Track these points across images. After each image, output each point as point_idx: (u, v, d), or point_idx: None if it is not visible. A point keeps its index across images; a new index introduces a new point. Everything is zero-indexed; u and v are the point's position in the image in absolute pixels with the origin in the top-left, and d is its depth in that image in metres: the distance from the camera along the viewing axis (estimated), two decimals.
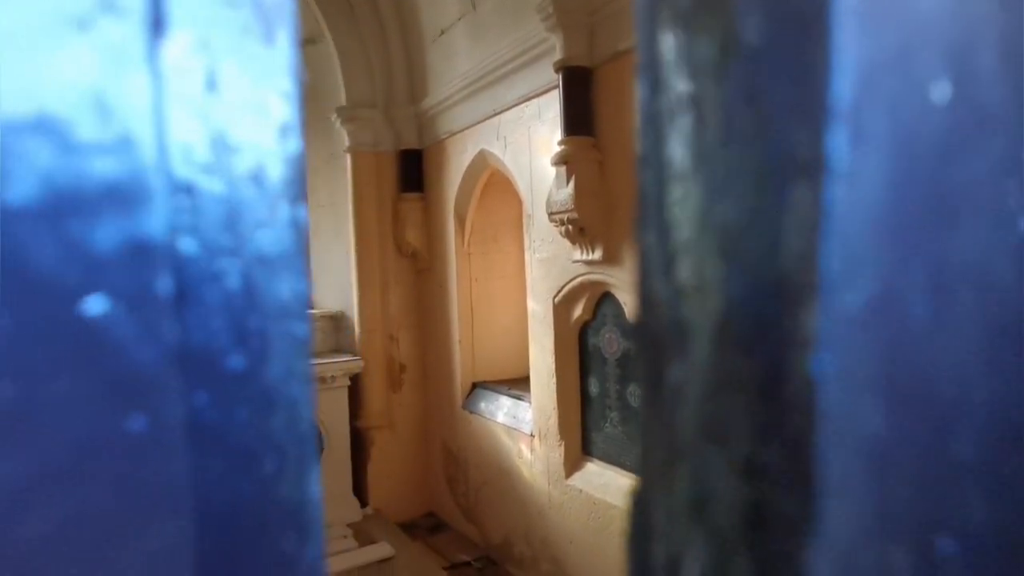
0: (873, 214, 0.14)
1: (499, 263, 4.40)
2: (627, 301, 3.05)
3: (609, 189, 2.99)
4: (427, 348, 4.68)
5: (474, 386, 4.31)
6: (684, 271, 0.17)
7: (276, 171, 0.20)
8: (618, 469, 3.16)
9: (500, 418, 3.96)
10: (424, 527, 4.50)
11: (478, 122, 3.89)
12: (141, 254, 0.17)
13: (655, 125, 0.18)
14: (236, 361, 0.19)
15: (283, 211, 0.20)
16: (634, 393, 3.06)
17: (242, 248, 0.19)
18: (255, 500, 0.19)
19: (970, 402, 0.17)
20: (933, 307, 0.16)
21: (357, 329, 4.48)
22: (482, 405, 4.16)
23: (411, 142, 4.52)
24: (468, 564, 3.97)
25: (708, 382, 0.16)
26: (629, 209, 2.88)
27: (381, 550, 3.84)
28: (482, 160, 3.98)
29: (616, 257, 2.99)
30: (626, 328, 3.10)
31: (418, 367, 4.71)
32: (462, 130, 4.07)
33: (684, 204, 0.17)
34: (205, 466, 0.18)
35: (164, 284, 0.17)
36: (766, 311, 0.15)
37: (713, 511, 0.16)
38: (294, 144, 0.20)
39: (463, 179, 4.15)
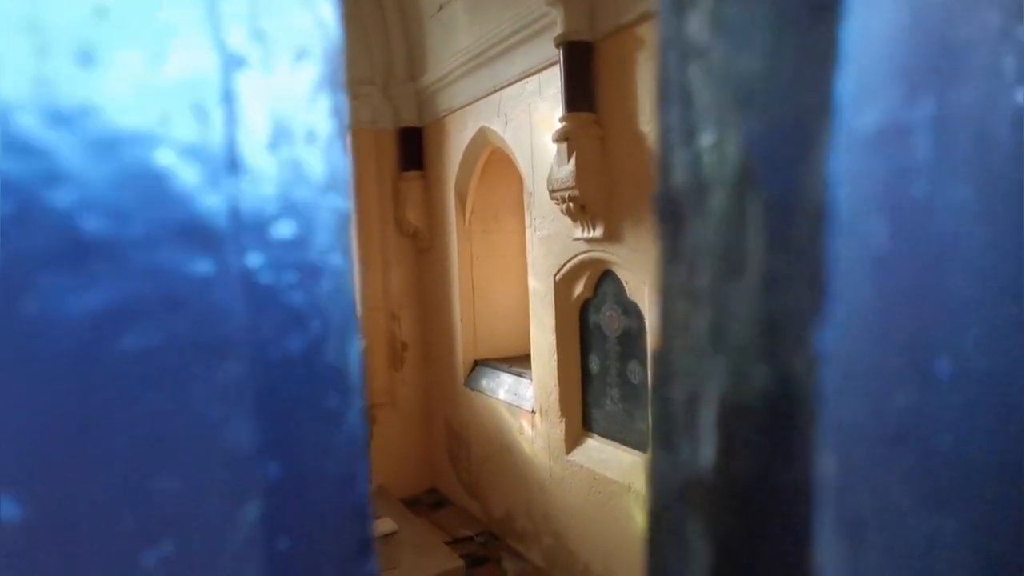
0: (885, 52, 0.15)
1: (500, 241, 4.41)
2: (628, 279, 3.06)
3: (611, 166, 2.99)
4: (429, 326, 4.70)
5: (475, 364, 4.34)
6: (704, 132, 0.18)
7: (315, 52, 0.21)
8: (618, 445, 3.20)
9: (501, 395, 3.99)
10: (426, 503, 4.56)
11: (478, 99, 3.88)
12: (200, 112, 0.18)
13: (678, 6, 0.19)
14: (284, 228, 0.20)
15: (324, 100, 0.22)
16: (634, 371, 3.09)
17: (291, 128, 0.21)
18: (303, 358, 0.21)
19: (968, 235, 0.18)
20: (935, 145, 0.17)
21: (359, 308, 4.50)
22: (483, 382, 4.19)
23: (411, 120, 4.51)
24: (470, 539, 4.03)
25: (727, 234, 0.18)
26: (631, 186, 2.88)
27: (384, 525, 3.90)
28: (482, 137, 3.97)
29: (617, 235, 3.00)
30: (627, 306, 3.11)
31: (420, 345, 4.74)
32: (462, 107, 4.06)
33: (706, 71, 0.18)
34: (258, 322, 0.20)
35: (220, 144, 0.18)
36: (783, 152, 0.16)
37: (731, 333, 0.18)
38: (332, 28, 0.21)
39: (463, 157, 4.15)
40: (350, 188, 0.23)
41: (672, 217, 0.20)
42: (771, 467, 0.17)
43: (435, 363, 4.66)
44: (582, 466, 3.32)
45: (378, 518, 3.95)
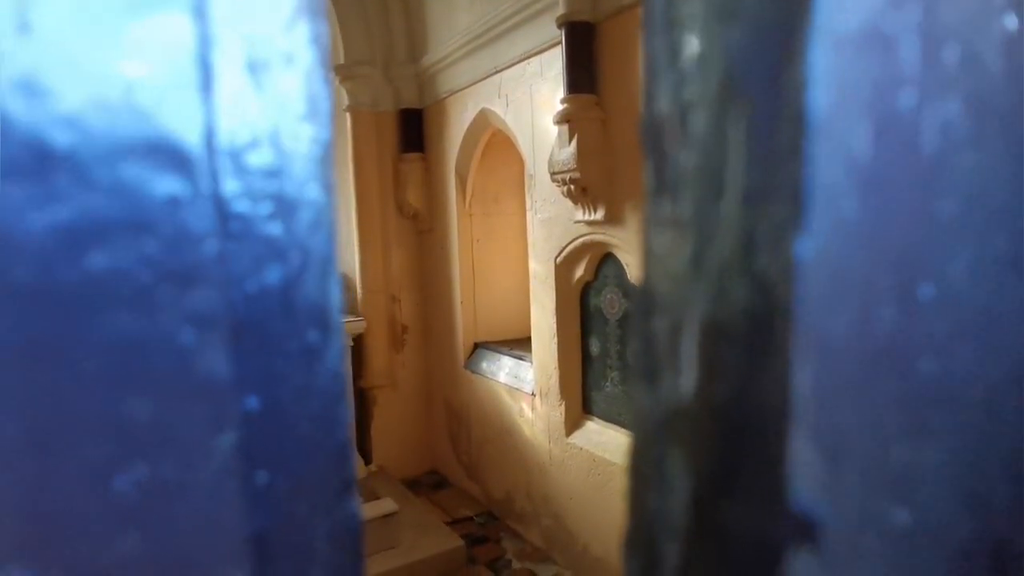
0: None
1: (501, 224, 4.40)
2: (629, 262, 3.05)
3: (612, 148, 2.97)
4: (429, 309, 4.71)
5: (476, 346, 4.35)
6: (686, 50, 0.17)
7: None
8: (618, 428, 3.21)
9: (502, 378, 4.00)
10: (427, 484, 4.59)
11: (479, 80, 3.85)
12: (172, 28, 0.18)
13: None
14: (261, 156, 0.20)
15: (302, 27, 0.21)
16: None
17: (268, 53, 0.20)
18: (281, 292, 0.21)
19: (958, 157, 0.18)
20: (921, 56, 0.16)
21: (359, 290, 4.50)
22: (484, 365, 4.20)
23: (411, 101, 4.48)
24: (470, 519, 4.07)
25: (709, 154, 0.17)
26: (632, 169, 2.86)
27: (385, 505, 3.93)
28: (483, 119, 3.94)
29: (618, 217, 2.99)
30: (627, 289, 3.11)
31: (420, 327, 4.75)
32: (463, 89, 4.02)
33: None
34: (233, 251, 0.19)
35: (192, 61, 0.18)
36: (764, 60, 0.16)
37: (713, 256, 0.18)
38: None
39: (464, 139, 4.12)
40: (331, 120, 0.22)
41: (656, 146, 0.19)
42: (750, 387, 0.16)
43: (435, 345, 4.67)
44: (582, 448, 3.33)
45: (378, 498, 3.98)
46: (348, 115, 4.41)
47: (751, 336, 0.16)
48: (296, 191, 0.21)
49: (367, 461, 4.52)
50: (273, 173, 0.20)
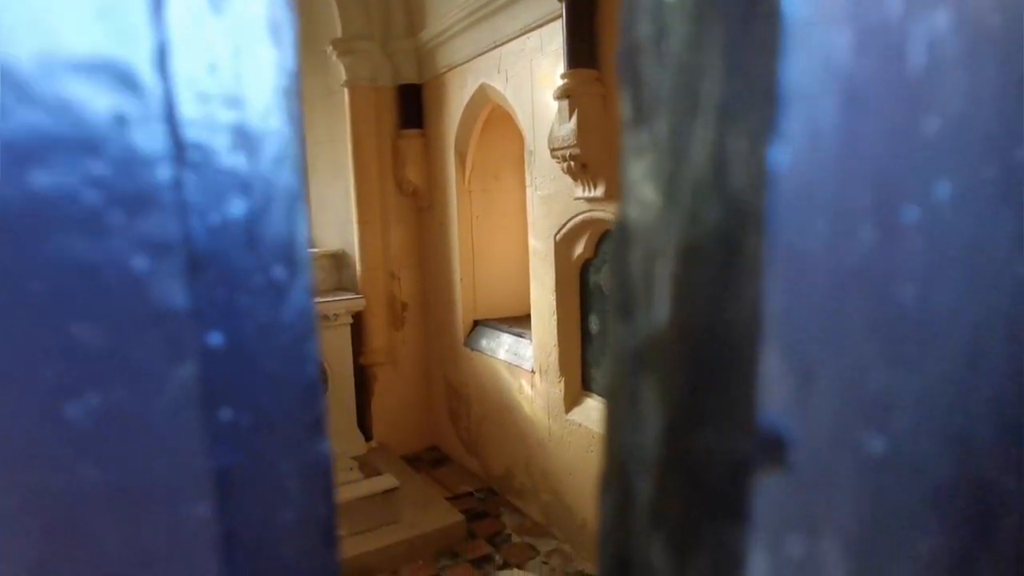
0: None
1: (500, 201, 4.37)
2: None
3: (613, 124, 2.94)
4: (428, 286, 4.70)
5: (475, 324, 4.35)
6: None
7: None
8: None
9: (501, 355, 4.01)
10: (427, 460, 4.63)
11: (478, 55, 3.80)
12: None
13: None
14: (217, 81, 0.19)
15: None
16: None
17: None
18: (244, 225, 0.20)
19: (949, 76, 0.17)
20: None
21: (358, 267, 4.49)
22: (483, 342, 4.21)
23: (410, 76, 4.43)
24: (470, 495, 4.11)
25: (685, 70, 0.17)
26: None
27: (386, 481, 3.97)
28: (483, 95, 3.90)
29: (619, 194, 2.97)
30: None
31: (420, 305, 4.75)
32: (462, 64, 3.97)
33: None
34: (190, 179, 0.19)
35: None
36: None
37: (687, 179, 0.17)
38: None
39: (463, 114, 4.08)
40: (297, 51, 0.21)
41: (633, 73, 0.18)
42: (722, 310, 0.16)
43: (435, 323, 4.68)
44: (581, 425, 3.35)
45: (380, 474, 4.02)
46: (346, 91, 4.36)
47: (724, 257, 0.16)
48: (259, 122, 0.20)
49: (368, 438, 4.55)
50: (233, 101, 0.20)
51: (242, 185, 0.20)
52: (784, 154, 0.15)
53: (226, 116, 0.19)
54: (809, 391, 0.16)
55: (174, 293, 0.18)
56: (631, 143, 0.19)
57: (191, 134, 0.19)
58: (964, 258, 0.18)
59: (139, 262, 0.18)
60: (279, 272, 0.21)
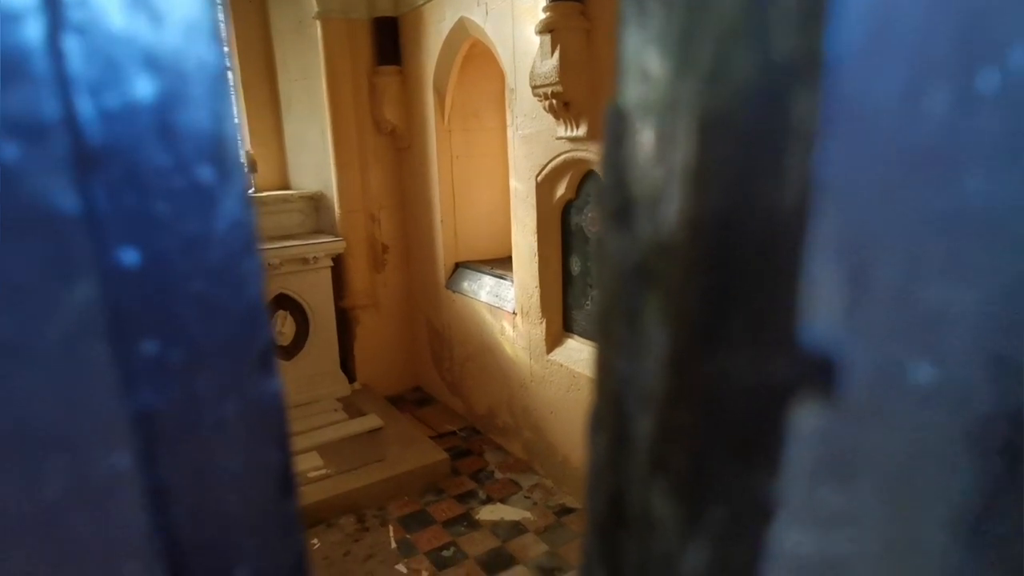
0: None
1: (481, 140, 4.26)
2: None
3: (596, 60, 2.84)
4: (409, 228, 4.63)
5: (457, 266, 4.32)
6: None
7: None
8: None
9: (483, 297, 4.00)
10: (411, 400, 4.68)
11: None
12: None
13: None
14: None
15: None
16: None
17: None
18: (156, 109, 0.16)
19: None
20: None
21: (337, 209, 4.39)
22: (465, 284, 4.19)
23: (386, 9, 4.21)
24: (454, 433, 4.17)
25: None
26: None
27: (371, 421, 4.00)
28: (462, 29, 3.73)
29: (602, 133, 2.89)
30: None
31: (400, 247, 4.68)
32: None
33: None
34: (75, 46, 0.15)
35: None
36: None
37: (710, 9, 0.13)
38: None
39: (442, 50, 3.92)
40: None
41: None
42: (757, 192, 0.13)
43: (416, 265, 4.63)
44: (562, 365, 3.38)
45: (364, 415, 4.05)
46: (318, 24, 4.15)
47: (761, 125, 0.12)
48: None
49: (351, 379, 4.57)
50: None
51: (146, 58, 0.16)
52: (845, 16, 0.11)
53: None
54: (861, 301, 0.13)
55: (57, 192, 0.15)
56: (630, 6, 0.15)
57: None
58: None
59: (5, 148, 0.14)
60: (205, 173, 0.17)
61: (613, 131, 0.16)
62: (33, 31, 0.14)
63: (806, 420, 0.13)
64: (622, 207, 0.16)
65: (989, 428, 0.16)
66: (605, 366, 0.17)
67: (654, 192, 0.15)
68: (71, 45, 0.14)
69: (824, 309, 0.12)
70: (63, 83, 0.14)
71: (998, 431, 0.17)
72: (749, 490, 0.13)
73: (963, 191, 0.14)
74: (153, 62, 0.16)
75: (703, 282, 0.14)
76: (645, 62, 0.15)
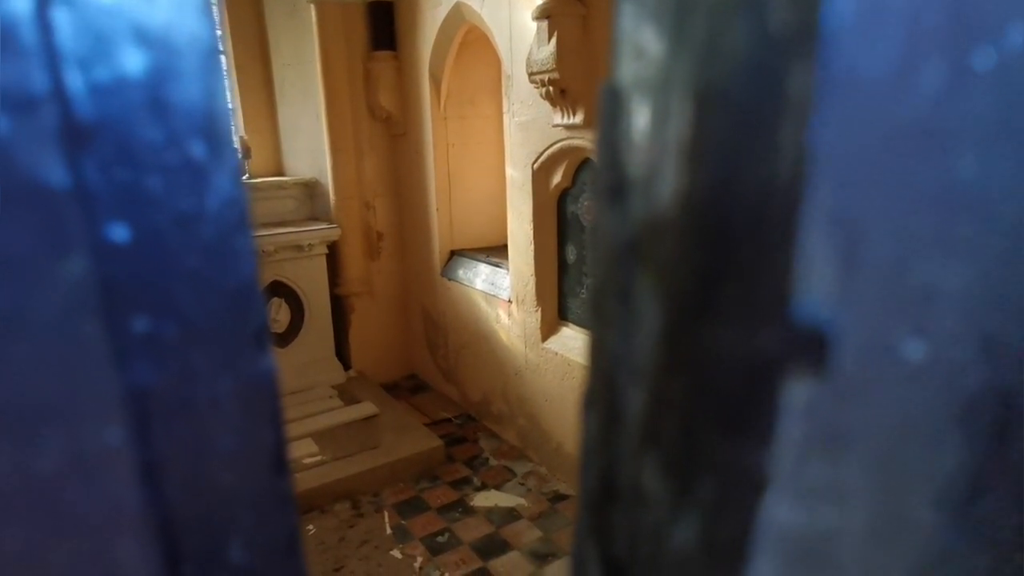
0: None
1: (477, 128, 4.24)
2: None
3: (593, 47, 2.82)
4: (404, 216, 4.61)
5: (452, 254, 4.31)
6: None
7: None
8: None
9: (478, 285, 4.00)
10: (406, 388, 4.69)
11: None
12: None
13: None
14: None
15: None
16: None
17: None
18: (147, 84, 0.16)
19: None
20: None
21: (332, 196, 4.37)
22: (460, 272, 4.18)
23: None
24: (448, 421, 4.19)
25: None
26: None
27: (366, 408, 4.01)
28: (458, 14, 3.70)
29: (597, 116, 2.88)
30: None
31: (396, 235, 4.67)
32: None
33: None
34: (64, 19, 0.14)
35: None
36: None
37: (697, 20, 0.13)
38: None
39: (438, 36, 3.88)
40: None
41: None
42: (750, 167, 0.13)
43: (412, 253, 4.62)
44: (557, 353, 3.39)
45: (359, 402, 4.06)
46: (312, 8, 4.10)
47: (756, 99, 0.12)
48: None
49: (347, 367, 4.57)
50: None
51: (136, 32, 0.15)
52: None
53: None
54: (853, 277, 0.13)
55: (46, 166, 0.14)
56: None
57: None
58: None
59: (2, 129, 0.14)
60: (197, 149, 0.17)
61: (608, 109, 0.16)
62: (21, 3, 0.14)
63: (797, 395, 0.13)
64: (617, 185, 0.16)
65: (978, 405, 0.17)
66: (598, 343, 0.17)
67: (648, 169, 0.15)
68: (60, 18, 0.14)
69: (816, 284, 0.13)
70: (52, 56, 0.14)
71: (987, 408, 0.18)
72: (739, 464, 0.14)
73: (956, 168, 0.14)
74: (143, 36, 0.16)
75: (696, 258, 0.14)
76: (640, 39, 0.15)
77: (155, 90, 0.16)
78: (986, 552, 0.18)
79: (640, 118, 0.15)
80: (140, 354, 0.17)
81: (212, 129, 0.17)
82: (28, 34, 0.14)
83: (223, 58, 4.31)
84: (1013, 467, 0.18)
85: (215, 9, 4.35)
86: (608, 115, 0.16)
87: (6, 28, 0.14)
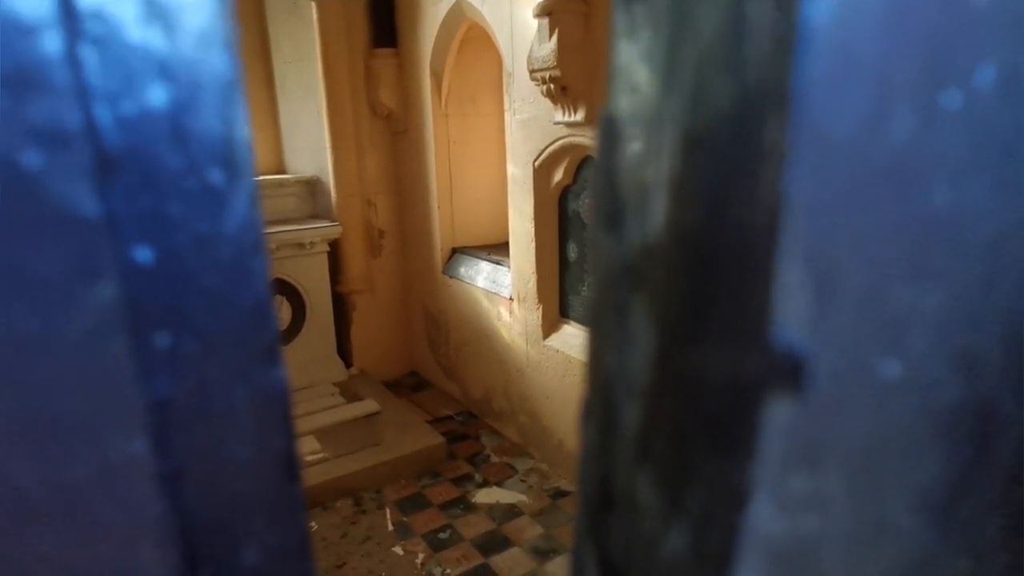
0: None
1: (478, 125, 4.24)
2: None
3: (595, 44, 2.83)
4: (405, 213, 4.62)
5: (453, 251, 4.32)
6: None
7: None
8: None
9: (480, 282, 4.01)
10: (407, 385, 4.70)
11: None
12: None
13: None
14: None
15: None
16: None
17: None
18: (171, 115, 0.17)
19: None
20: None
21: (333, 194, 4.38)
22: (462, 270, 4.20)
23: None
24: (450, 418, 4.20)
25: None
26: None
27: (368, 406, 4.03)
28: (459, 11, 3.70)
29: (598, 123, 2.88)
30: None
31: (397, 232, 4.68)
32: None
33: None
34: (94, 57, 0.15)
35: None
36: None
37: (690, 54, 0.14)
38: None
39: (439, 33, 3.89)
40: None
41: None
42: (733, 205, 0.14)
43: (413, 250, 4.63)
44: (558, 350, 3.40)
45: (361, 399, 4.08)
46: (313, 4, 4.11)
47: (737, 145, 0.13)
48: None
49: (348, 364, 4.59)
50: None
51: (160, 68, 0.16)
52: (821, 8, 0.12)
53: None
54: (828, 305, 0.14)
55: (79, 197, 0.15)
56: (622, 20, 0.16)
57: (85, 1, 0.15)
58: (999, 156, 0.16)
59: (30, 157, 0.15)
60: (216, 176, 0.18)
61: (606, 137, 0.17)
62: (52, 44, 0.15)
63: (777, 413, 0.14)
64: (612, 211, 0.17)
65: (952, 419, 0.17)
66: (596, 359, 0.18)
67: (641, 198, 0.16)
68: (89, 57, 0.15)
69: (793, 312, 0.13)
70: (82, 93, 0.15)
71: (961, 422, 0.19)
72: (725, 477, 0.14)
73: (927, 201, 0.15)
74: (167, 71, 0.17)
75: (684, 285, 0.15)
76: (634, 75, 0.16)
77: (178, 121, 0.17)
78: (965, 557, 0.19)
79: (634, 149, 0.16)
80: (162, 368, 0.18)
81: (231, 157, 0.18)
82: (60, 73, 0.15)
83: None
84: (989, 476, 0.19)
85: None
86: (606, 142, 0.17)
87: (40, 67, 0.15)
